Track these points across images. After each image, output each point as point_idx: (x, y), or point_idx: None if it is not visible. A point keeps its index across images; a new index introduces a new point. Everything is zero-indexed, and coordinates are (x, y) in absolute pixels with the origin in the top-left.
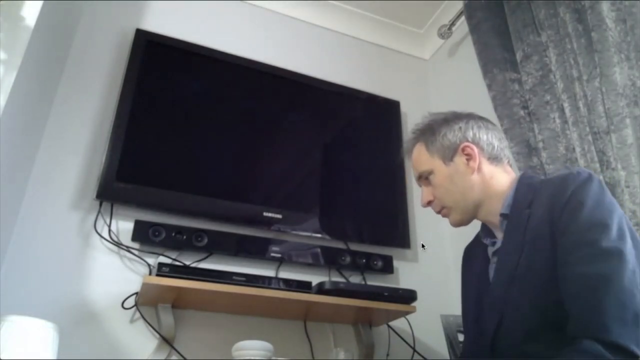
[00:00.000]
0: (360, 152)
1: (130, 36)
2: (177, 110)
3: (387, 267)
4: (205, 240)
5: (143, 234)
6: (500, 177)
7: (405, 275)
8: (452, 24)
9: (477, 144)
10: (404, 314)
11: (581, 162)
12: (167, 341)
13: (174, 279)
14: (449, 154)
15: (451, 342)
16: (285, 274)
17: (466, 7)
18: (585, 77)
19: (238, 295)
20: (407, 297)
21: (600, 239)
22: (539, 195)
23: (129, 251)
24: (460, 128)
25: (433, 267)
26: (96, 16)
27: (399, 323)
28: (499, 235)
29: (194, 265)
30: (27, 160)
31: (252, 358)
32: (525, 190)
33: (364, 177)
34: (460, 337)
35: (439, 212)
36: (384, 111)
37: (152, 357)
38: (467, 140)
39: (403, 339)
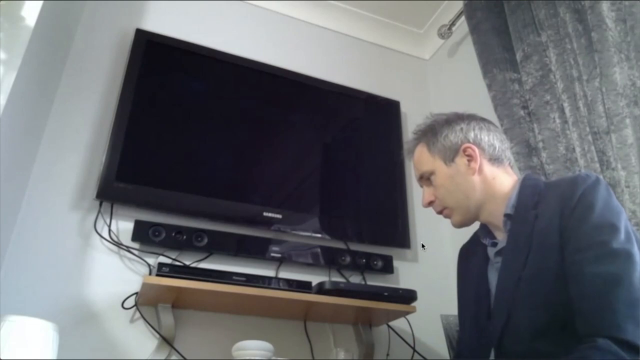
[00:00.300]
0: (360, 152)
1: (130, 36)
2: (177, 110)
3: (387, 267)
4: (205, 240)
5: (143, 234)
6: (502, 178)
7: (405, 275)
8: (452, 24)
9: (479, 145)
10: (404, 314)
11: (581, 162)
12: (167, 341)
13: (174, 279)
14: (450, 155)
15: (451, 342)
16: (285, 274)
17: (466, 7)
18: (585, 77)
19: (238, 295)
20: (407, 297)
21: (611, 240)
22: (545, 196)
23: (129, 251)
24: (461, 129)
25: (433, 267)
26: (96, 16)
27: (399, 323)
28: (500, 235)
29: (194, 265)
30: (27, 160)
31: (252, 358)
32: (530, 192)
33: (364, 177)
34: None
35: (440, 213)
36: (384, 111)
37: (152, 357)
38: (469, 141)
39: (403, 339)
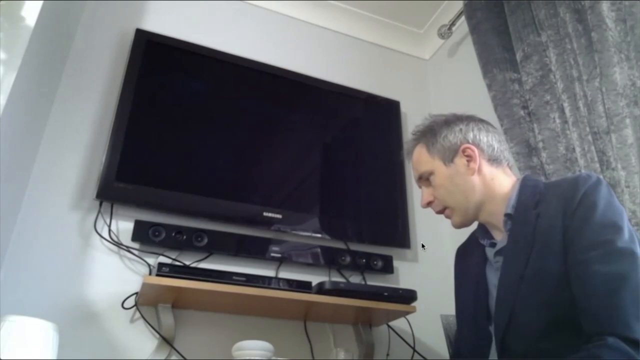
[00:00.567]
0: (360, 152)
1: (130, 36)
2: (177, 110)
3: (387, 267)
4: (205, 240)
5: (143, 234)
6: (501, 179)
7: (405, 275)
8: (452, 24)
9: (478, 146)
10: (404, 314)
11: (581, 162)
12: (167, 341)
13: (174, 279)
14: (449, 155)
15: (451, 342)
16: (285, 274)
17: (466, 7)
18: (585, 77)
19: (238, 295)
20: (407, 297)
21: (615, 240)
22: (546, 196)
23: (129, 251)
24: (460, 130)
25: (433, 267)
26: (96, 16)
27: (399, 323)
28: (499, 235)
29: (194, 265)
30: (27, 160)
31: (252, 358)
32: (531, 192)
33: (364, 177)
34: None
35: (440, 212)
36: (384, 111)
37: (152, 357)
38: (468, 142)
39: (403, 339)
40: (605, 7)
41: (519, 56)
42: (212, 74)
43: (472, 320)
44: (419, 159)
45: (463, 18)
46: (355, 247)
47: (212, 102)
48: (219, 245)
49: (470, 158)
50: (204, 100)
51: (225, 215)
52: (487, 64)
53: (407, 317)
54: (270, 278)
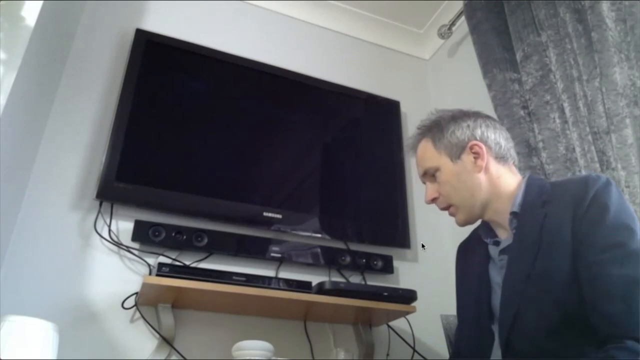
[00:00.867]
0: (360, 152)
1: (130, 36)
2: (177, 110)
3: (387, 267)
4: (205, 240)
5: (143, 234)
6: (507, 177)
7: (405, 275)
8: (452, 24)
9: (485, 143)
10: (404, 314)
11: (581, 162)
12: (167, 341)
13: (174, 279)
14: (456, 152)
15: (451, 342)
16: (285, 274)
17: (466, 7)
18: (585, 77)
19: (238, 295)
20: (407, 297)
21: (629, 242)
22: (554, 196)
23: (129, 251)
24: (468, 126)
25: (433, 267)
26: (96, 16)
27: (399, 323)
28: (503, 234)
29: (194, 265)
30: (27, 160)
31: (252, 358)
32: (537, 191)
33: (364, 177)
34: None
35: (444, 209)
36: (384, 111)
37: (152, 357)
38: (475, 139)
39: (403, 339)
40: (605, 7)
41: (519, 56)
42: (212, 74)
43: (474, 319)
44: (424, 154)
45: (463, 18)
46: (355, 247)
47: (212, 102)
48: (219, 245)
49: (477, 155)
50: (204, 100)
51: (225, 215)
52: (487, 64)
53: (407, 317)
54: (270, 278)
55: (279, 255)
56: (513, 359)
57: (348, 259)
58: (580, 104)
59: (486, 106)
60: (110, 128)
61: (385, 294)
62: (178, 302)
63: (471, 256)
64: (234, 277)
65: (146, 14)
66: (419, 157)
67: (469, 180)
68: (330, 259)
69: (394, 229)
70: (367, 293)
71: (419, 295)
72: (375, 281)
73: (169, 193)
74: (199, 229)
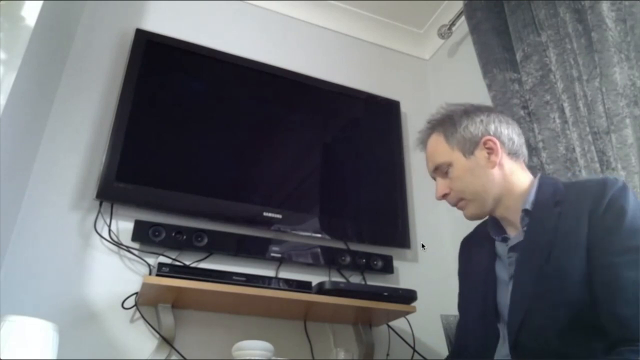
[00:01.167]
0: (360, 152)
1: (130, 36)
2: (177, 110)
3: (387, 267)
4: (205, 240)
5: (143, 234)
6: (520, 174)
7: (405, 275)
8: (452, 24)
9: (499, 138)
10: (404, 314)
11: (581, 162)
12: (167, 341)
13: (174, 279)
14: (470, 147)
15: (451, 342)
16: (285, 274)
17: (466, 7)
18: (585, 77)
19: (238, 295)
20: (407, 297)
21: None
22: (570, 196)
23: (129, 251)
24: (482, 121)
25: (433, 267)
26: (96, 16)
27: (399, 323)
28: (512, 231)
29: (194, 265)
30: (27, 160)
31: (252, 358)
32: (551, 190)
33: (364, 177)
34: None
35: (454, 205)
36: (384, 111)
37: (152, 357)
38: (489, 134)
39: (403, 339)
40: (605, 7)
41: (519, 56)
42: (212, 74)
43: (479, 316)
44: (435, 149)
45: (463, 18)
46: (355, 247)
47: (212, 102)
48: (219, 245)
49: (491, 151)
50: (204, 100)
51: (225, 215)
52: (487, 64)
53: (407, 317)
54: (270, 278)
55: (279, 255)
56: (522, 359)
57: (348, 259)
58: (580, 104)
59: None
60: (110, 128)
61: (385, 294)
62: (178, 302)
63: (476, 251)
64: (234, 277)
65: (146, 14)
66: (430, 152)
67: (482, 175)
68: (330, 259)
69: (394, 229)
70: (367, 293)
71: (419, 295)
72: (375, 281)
73: (169, 193)
74: (199, 229)
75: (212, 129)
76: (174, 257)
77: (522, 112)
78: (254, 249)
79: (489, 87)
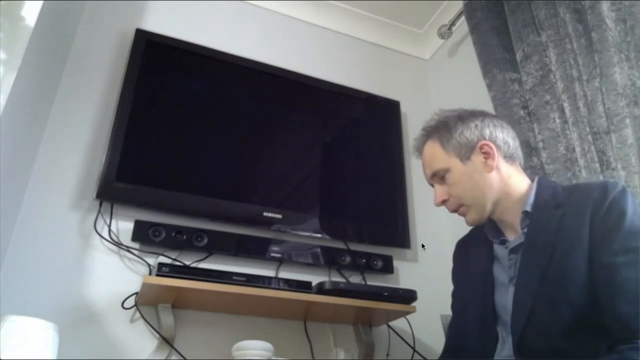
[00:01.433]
0: (360, 152)
1: (130, 36)
2: (177, 110)
3: (387, 267)
4: (205, 240)
5: (143, 234)
6: (516, 177)
7: (405, 275)
8: (452, 24)
9: (494, 142)
10: (404, 314)
11: (581, 162)
12: (167, 341)
13: (174, 279)
14: (466, 153)
15: None
16: (285, 274)
17: (466, 7)
18: (585, 77)
19: (238, 295)
20: (407, 297)
21: None
22: (571, 198)
23: (129, 251)
24: (476, 126)
25: (433, 267)
26: (96, 16)
27: (399, 323)
28: (511, 234)
29: (194, 265)
30: (27, 160)
31: (252, 358)
32: (551, 193)
33: (364, 177)
34: None
35: (454, 211)
36: (384, 111)
37: (152, 357)
38: (485, 138)
39: (403, 339)
40: (605, 7)
41: (519, 56)
42: (212, 74)
43: (478, 318)
44: (433, 156)
45: (463, 18)
46: (355, 247)
47: (212, 102)
48: (219, 245)
49: (488, 155)
50: (204, 100)
51: (225, 215)
52: (487, 64)
53: (407, 317)
54: (270, 278)
55: (279, 255)
56: (526, 359)
57: (348, 259)
58: (580, 104)
59: (486, 106)
60: (110, 128)
61: (385, 294)
62: (178, 302)
63: (473, 254)
64: (234, 277)
65: (146, 14)
66: (427, 159)
67: (480, 180)
68: (330, 259)
69: (394, 229)
70: (367, 293)
71: (419, 295)
72: (375, 281)
73: (169, 193)
74: (199, 229)
75: (212, 129)
76: (174, 257)
77: (522, 112)
78: (254, 249)
79: (489, 87)
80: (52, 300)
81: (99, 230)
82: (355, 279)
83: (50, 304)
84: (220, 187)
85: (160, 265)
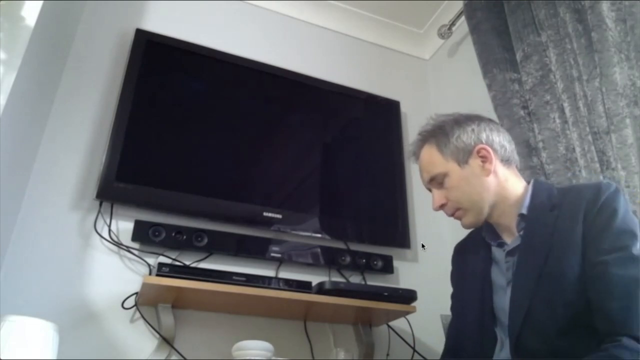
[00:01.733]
0: (360, 152)
1: (130, 36)
2: (177, 110)
3: (387, 267)
4: (205, 240)
5: (143, 234)
6: (513, 180)
7: (405, 275)
8: (452, 24)
9: (491, 146)
10: (404, 314)
11: (581, 162)
12: (167, 341)
13: (174, 279)
14: (464, 157)
15: None
16: (285, 274)
17: (466, 7)
18: (585, 77)
19: (238, 295)
20: (407, 297)
21: (631, 246)
22: (566, 199)
23: (129, 251)
24: (473, 130)
25: (433, 267)
26: (96, 16)
27: (399, 323)
28: (508, 237)
29: (194, 265)
30: (27, 160)
31: (252, 358)
32: (546, 195)
33: (364, 177)
34: None
35: (452, 215)
36: (384, 111)
37: (152, 357)
38: (482, 142)
39: (403, 339)
40: (605, 7)
41: (519, 56)
42: (212, 74)
43: (477, 320)
44: (430, 161)
45: (463, 18)
46: (355, 247)
47: (212, 102)
48: (219, 245)
49: (485, 159)
50: (204, 100)
51: (225, 215)
52: (487, 64)
53: (407, 317)
54: (270, 278)
55: (279, 255)
56: (524, 359)
57: (348, 259)
58: (580, 104)
59: (486, 106)
60: (110, 128)
61: (385, 294)
62: (178, 302)
63: (471, 257)
64: (234, 277)
65: (146, 14)
66: (425, 163)
67: (478, 184)
68: (330, 259)
69: (394, 229)
70: (367, 293)
71: (419, 295)
72: (375, 281)
73: (169, 193)
74: (199, 229)
75: (212, 129)
76: (174, 257)
77: (522, 112)
78: (254, 249)
79: (489, 87)
80: (52, 300)
81: (99, 230)
82: (355, 279)
83: (50, 304)
84: (220, 187)
85: (160, 265)
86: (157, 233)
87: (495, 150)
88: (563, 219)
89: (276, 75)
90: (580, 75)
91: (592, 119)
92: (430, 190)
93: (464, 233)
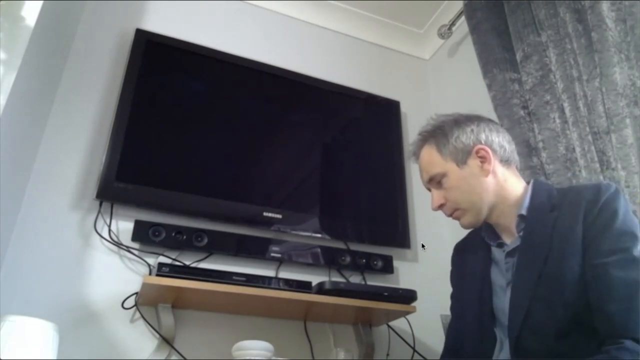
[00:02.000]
0: (360, 152)
1: (130, 36)
2: (177, 110)
3: (387, 267)
4: (205, 240)
5: (143, 234)
6: (513, 180)
7: (405, 275)
8: (452, 24)
9: (490, 147)
10: (404, 314)
11: (581, 162)
12: (167, 341)
13: (174, 279)
14: (462, 157)
15: None
16: (285, 274)
17: (466, 7)
18: (585, 77)
19: (238, 295)
20: (407, 297)
21: (632, 248)
22: (566, 199)
23: (129, 251)
24: (472, 130)
25: (433, 267)
26: (96, 16)
27: (399, 323)
28: (508, 237)
29: (194, 265)
30: (27, 160)
31: (252, 358)
32: (546, 195)
33: (363, 177)
34: None
35: (450, 215)
36: (384, 111)
37: (152, 357)
38: (481, 143)
39: (403, 339)
40: (605, 7)
41: (519, 56)
42: (212, 74)
43: (476, 320)
44: (429, 161)
45: (463, 18)
46: (355, 247)
47: (212, 102)
48: (219, 245)
49: (484, 159)
50: (204, 100)
51: (225, 215)
52: (487, 64)
53: (407, 317)
54: (270, 278)
55: (279, 255)
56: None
57: (348, 259)
58: (580, 104)
59: (486, 106)
60: (110, 128)
61: (385, 294)
62: (178, 302)
63: (471, 257)
64: (234, 277)
65: (146, 14)
66: (424, 163)
67: (477, 184)
68: (330, 259)
69: (394, 229)
70: (367, 293)
71: (419, 295)
72: (375, 281)
73: (169, 193)
74: (199, 229)
75: (212, 129)
76: (174, 257)
77: (522, 112)
78: (254, 249)
79: (489, 87)
80: (52, 300)
81: (99, 230)
82: (355, 279)
83: (50, 304)
84: (220, 187)
85: (160, 265)
86: (157, 233)
87: (494, 151)
88: (563, 220)
89: (276, 75)
90: (580, 75)
91: (592, 119)
92: (430, 190)
93: (463, 233)
